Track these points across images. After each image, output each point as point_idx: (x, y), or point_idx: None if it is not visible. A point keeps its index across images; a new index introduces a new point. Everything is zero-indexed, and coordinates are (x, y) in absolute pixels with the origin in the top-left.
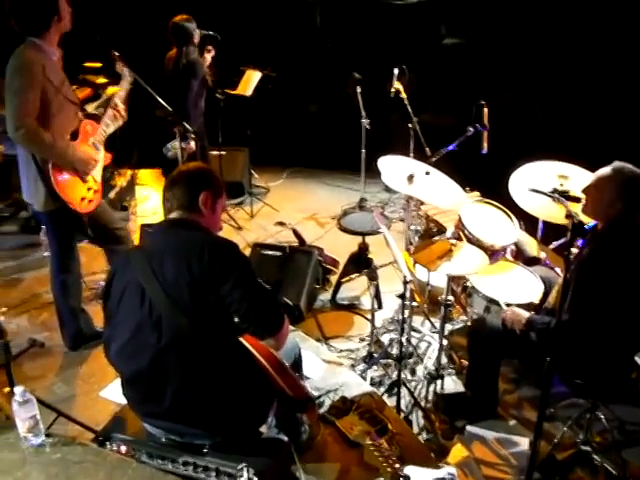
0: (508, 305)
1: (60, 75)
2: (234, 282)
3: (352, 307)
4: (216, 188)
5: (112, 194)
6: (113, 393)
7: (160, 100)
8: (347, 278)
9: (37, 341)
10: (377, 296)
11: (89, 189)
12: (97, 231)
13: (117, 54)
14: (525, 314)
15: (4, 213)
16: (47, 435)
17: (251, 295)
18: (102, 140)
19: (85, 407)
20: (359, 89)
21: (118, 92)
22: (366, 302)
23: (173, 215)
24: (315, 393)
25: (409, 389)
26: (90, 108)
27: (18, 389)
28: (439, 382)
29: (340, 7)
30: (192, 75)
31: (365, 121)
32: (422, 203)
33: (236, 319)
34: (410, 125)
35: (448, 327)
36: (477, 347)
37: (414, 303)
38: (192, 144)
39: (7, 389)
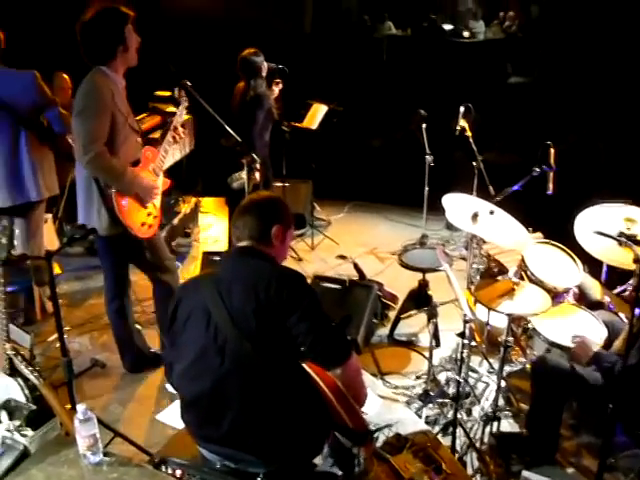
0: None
1: (125, 103)
2: (301, 313)
3: (410, 344)
4: (287, 220)
5: (176, 220)
6: (169, 417)
7: (229, 130)
8: (406, 314)
9: (99, 361)
10: (435, 334)
11: (149, 214)
12: (149, 258)
13: (189, 84)
14: (594, 346)
15: (75, 235)
16: (105, 454)
17: (318, 327)
18: (161, 166)
19: (140, 429)
20: (424, 126)
21: (175, 117)
22: (424, 339)
23: (243, 244)
24: (371, 428)
25: (465, 430)
26: (158, 135)
27: (80, 407)
28: (495, 424)
29: (407, 44)
30: (258, 107)
31: (429, 158)
32: (484, 242)
33: (302, 349)
34: (474, 163)
35: (506, 369)
36: (541, 385)
37: (473, 343)
38: (257, 175)
39: (68, 406)
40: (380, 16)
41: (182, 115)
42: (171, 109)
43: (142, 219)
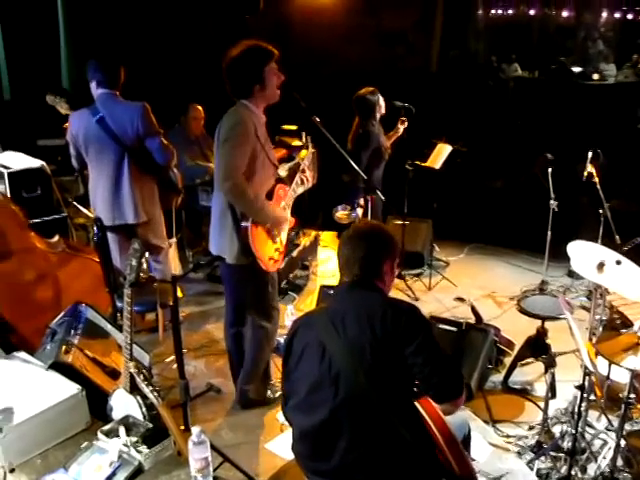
0: None
1: (266, 137)
2: (418, 345)
3: (524, 392)
4: (395, 253)
5: (295, 252)
6: (279, 446)
7: (355, 167)
8: (523, 362)
9: (214, 386)
10: (552, 384)
11: (277, 249)
12: (270, 293)
13: (317, 119)
14: None
15: (201, 261)
16: (215, 478)
17: (434, 359)
18: (291, 204)
19: (249, 457)
20: (550, 170)
21: (304, 159)
22: (539, 389)
23: (354, 276)
24: (479, 477)
25: None
26: (283, 168)
27: (195, 430)
28: None
29: (534, 86)
30: (362, 146)
31: (553, 203)
32: (608, 292)
33: (416, 381)
34: (601, 210)
35: (627, 427)
36: None
37: (592, 396)
38: (359, 212)
39: (182, 427)
40: (508, 57)
41: (309, 158)
42: (296, 143)
43: (270, 253)
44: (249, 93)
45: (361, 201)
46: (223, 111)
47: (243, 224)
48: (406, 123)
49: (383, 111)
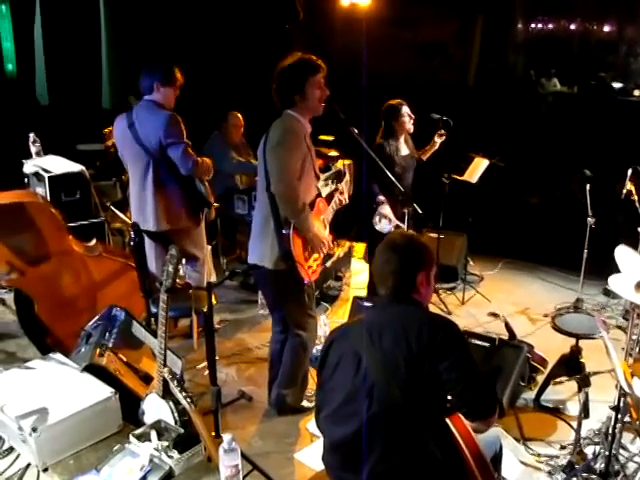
0: None
1: (312, 147)
2: (453, 361)
3: (556, 411)
4: (430, 264)
5: (329, 263)
6: (308, 457)
7: (393, 179)
8: (556, 380)
9: (246, 394)
10: (586, 404)
11: (315, 259)
12: (306, 303)
13: (356, 131)
14: None
15: (237, 269)
16: None
17: (468, 376)
18: (329, 219)
19: (278, 466)
20: (588, 186)
21: (342, 184)
22: (572, 408)
23: (388, 289)
24: None
25: None
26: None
27: (227, 437)
28: None
29: (573, 101)
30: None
31: (590, 220)
32: None
33: (450, 397)
34: (639, 229)
35: None
36: None
37: (627, 418)
38: (398, 223)
39: (212, 434)
40: (547, 72)
41: (347, 182)
42: (333, 153)
43: (309, 262)
44: (291, 103)
45: (385, 210)
46: (262, 119)
47: (285, 231)
48: (444, 136)
49: (408, 126)
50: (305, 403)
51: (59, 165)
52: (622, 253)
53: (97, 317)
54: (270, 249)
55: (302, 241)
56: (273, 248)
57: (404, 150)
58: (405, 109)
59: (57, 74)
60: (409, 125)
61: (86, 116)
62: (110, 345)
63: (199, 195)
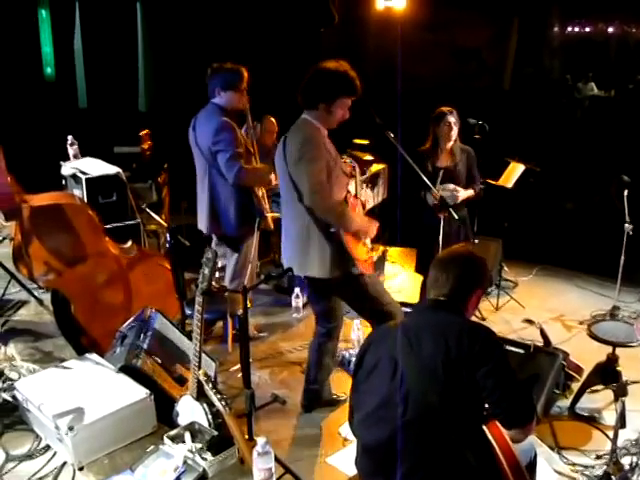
0: None
1: (333, 147)
2: (491, 367)
3: (592, 420)
4: (485, 286)
5: None
6: (340, 461)
7: (429, 183)
8: (592, 389)
9: (279, 397)
10: (622, 413)
11: (367, 252)
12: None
13: (392, 135)
14: None
15: (272, 272)
16: None
17: (505, 383)
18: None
19: (309, 470)
20: (626, 192)
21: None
22: (608, 417)
23: (439, 296)
24: None
25: None
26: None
27: (261, 440)
28: None
29: (610, 105)
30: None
31: (628, 226)
32: None
33: (487, 405)
34: None
35: None
36: None
37: None
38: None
39: (246, 436)
40: (584, 76)
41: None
42: (367, 157)
43: (363, 255)
44: (313, 106)
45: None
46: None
47: (332, 229)
48: (479, 141)
49: (451, 134)
50: (335, 396)
51: (96, 167)
52: None
53: (132, 318)
54: (320, 259)
55: (351, 236)
56: (323, 255)
57: (443, 161)
58: (449, 117)
59: (95, 78)
60: (451, 134)
61: (123, 119)
62: (145, 346)
63: (250, 204)
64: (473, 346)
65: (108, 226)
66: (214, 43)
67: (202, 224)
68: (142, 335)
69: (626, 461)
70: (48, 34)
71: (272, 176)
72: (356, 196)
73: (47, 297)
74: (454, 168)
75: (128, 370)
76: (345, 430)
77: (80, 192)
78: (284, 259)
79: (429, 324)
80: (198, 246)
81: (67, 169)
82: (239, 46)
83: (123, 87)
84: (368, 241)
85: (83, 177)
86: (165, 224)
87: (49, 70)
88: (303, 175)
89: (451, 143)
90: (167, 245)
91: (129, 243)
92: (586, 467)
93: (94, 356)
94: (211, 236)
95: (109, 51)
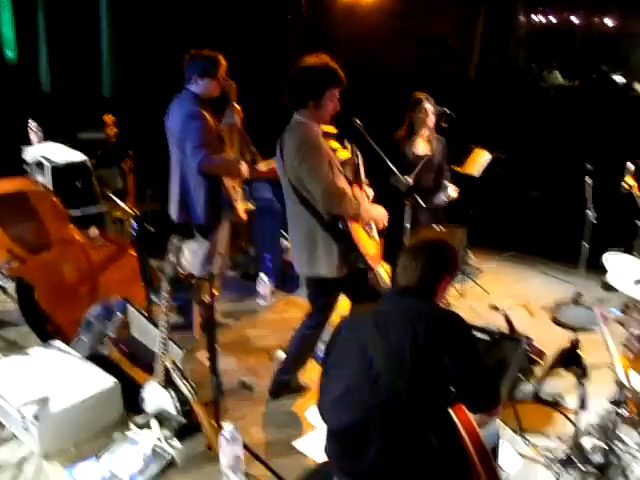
0: None
1: (329, 145)
2: (458, 353)
3: (554, 404)
4: (454, 273)
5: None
6: (307, 446)
7: (394, 170)
8: (554, 373)
9: (247, 384)
10: (583, 397)
11: (375, 246)
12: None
13: (359, 123)
14: None
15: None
16: (246, 475)
17: (471, 367)
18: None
19: (276, 455)
20: (589, 181)
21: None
22: (570, 401)
23: (408, 283)
24: None
25: None
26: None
27: (228, 427)
28: None
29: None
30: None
31: (591, 214)
32: None
33: (453, 388)
34: (639, 224)
35: None
36: None
37: (625, 412)
38: None
39: (214, 423)
40: (548, 65)
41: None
42: (333, 144)
43: (372, 249)
44: (302, 105)
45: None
46: (261, 110)
47: (340, 225)
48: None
49: (427, 121)
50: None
51: (61, 154)
52: (612, 259)
53: (98, 306)
54: (327, 257)
55: (359, 226)
56: (331, 253)
57: (420, 148)
58: (425, 104)
59: (59, 61)
60: (427, 121)
61: (86, 103)
62: (111, 334)
63: (218, 194)
64: (441, 332)
65: (72, 213)
66: (179, 28)
67: (173, 212)
68: (108, 323)
69: (587, 443)
70: (9, 16)
71: (243, 167)
72: (361, 187)
73: (11, 285)
74: (433, 157)
75: (94, 358)
76: (312, 415)
77: (44, 179)
78: (293, 259)
79: (398, 310)
80: (164, 233)
81: (30, 155)
82: (205, 31)
83: (87, 71)
84: (375, 233)
85: (49, 165)
86: (131, 211)
87: (10, 53)
88: (311, 180)
89: (427, 130)
90: (132, 232)
91: (94, 230)
92: (549, 449)
93: (59, 343)
94: (180, 224)
95: (73, 34)
